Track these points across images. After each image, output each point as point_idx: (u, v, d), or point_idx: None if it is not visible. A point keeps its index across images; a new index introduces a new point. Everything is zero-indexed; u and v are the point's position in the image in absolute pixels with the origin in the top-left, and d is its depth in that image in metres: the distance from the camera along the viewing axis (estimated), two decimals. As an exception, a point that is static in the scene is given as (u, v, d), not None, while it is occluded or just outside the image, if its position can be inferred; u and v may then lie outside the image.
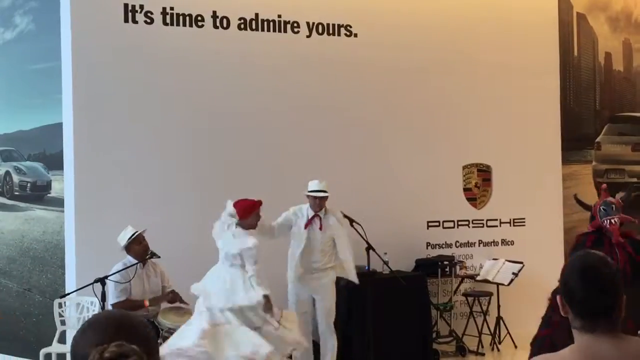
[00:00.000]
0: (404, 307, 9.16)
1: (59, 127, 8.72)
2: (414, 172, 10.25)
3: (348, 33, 9.93)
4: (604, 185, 7.79)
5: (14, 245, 9.12)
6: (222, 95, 9.18)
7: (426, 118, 10.40)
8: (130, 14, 8.76)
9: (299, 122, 9.57)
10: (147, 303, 7.63)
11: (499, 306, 10.00)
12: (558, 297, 2.71)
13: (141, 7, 8.80)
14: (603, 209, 6.93)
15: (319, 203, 8.24)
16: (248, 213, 7.66)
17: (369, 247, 8.30)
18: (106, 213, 8.47)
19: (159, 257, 7.79)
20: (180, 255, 7.74)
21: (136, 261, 7.78)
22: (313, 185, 8.26)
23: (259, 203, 7.74)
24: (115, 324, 1.87)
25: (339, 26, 9.88)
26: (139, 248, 7.79)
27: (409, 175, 10.21)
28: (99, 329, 1.87)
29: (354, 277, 8.35)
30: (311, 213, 8.28)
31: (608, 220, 6.78)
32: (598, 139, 12.37)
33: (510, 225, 11.01)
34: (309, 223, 8.27)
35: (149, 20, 8.85)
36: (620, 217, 6.80)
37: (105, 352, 1.74)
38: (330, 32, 9.84)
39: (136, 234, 7.78)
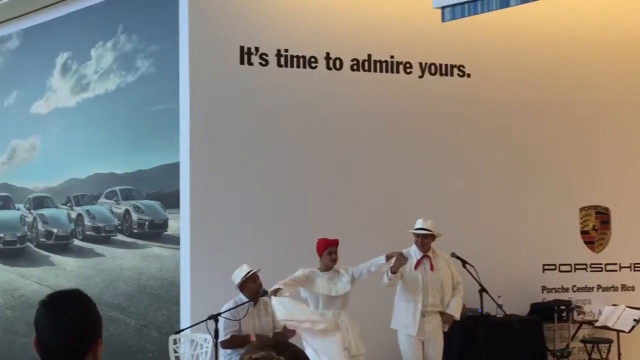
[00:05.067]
0: (518, 352, 8.90)
1: (176, 166, 8.96)
2: (530, 213, 10.02)
3: (461, 73, 9.87)
4: None
5: (132, 282, 9.36)
6: (335, 135, 9.25)
7: (542, 158, 10.18)
8: (245, 56, 8.98)
9: (410, 162, 9.53)
10: (253, 338, 7.67)
11: (619, 354, 9.61)
12: None
13: (256, 49, 9.00)
14: None
15: (421, 241, 8.10)
16: (319, 251, 7.75)
17: (482, 290, 8.12)
18: (220, 251, 8.61)
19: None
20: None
21: (248, 299, 7.86)
22: (417, 223, 8.18)
23: (329, 242, 7.74)
24: (274, 338, 2.11)
25: (452, 66, 9.84)
26: (253, 286, 7.86)
27: (525, 217, 9.99)
28: (261, 341, 2.17)
29: (455, 313, 8.17)
30: (419, 254, 8.18)
31: None
32: None
33: (631, 270, 10.60)
34: (418, 264, 8.15)
35: (263, 62, 9.04)
36: None
37: (254, 354, 2.05)
38: (443, 72, 9.81)
39: (251, 272, 7.86)
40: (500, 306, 8.52)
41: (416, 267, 8.09)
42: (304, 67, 9.21)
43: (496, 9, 8.14)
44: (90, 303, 2.60)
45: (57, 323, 2.55)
